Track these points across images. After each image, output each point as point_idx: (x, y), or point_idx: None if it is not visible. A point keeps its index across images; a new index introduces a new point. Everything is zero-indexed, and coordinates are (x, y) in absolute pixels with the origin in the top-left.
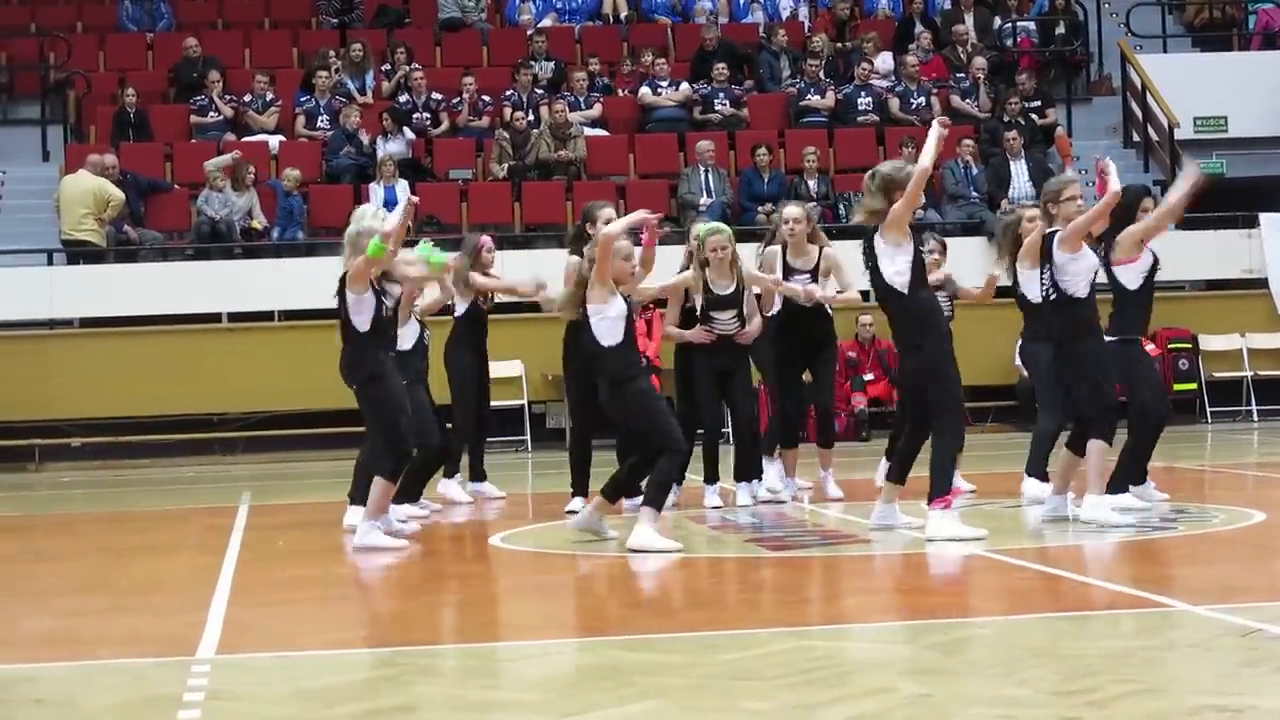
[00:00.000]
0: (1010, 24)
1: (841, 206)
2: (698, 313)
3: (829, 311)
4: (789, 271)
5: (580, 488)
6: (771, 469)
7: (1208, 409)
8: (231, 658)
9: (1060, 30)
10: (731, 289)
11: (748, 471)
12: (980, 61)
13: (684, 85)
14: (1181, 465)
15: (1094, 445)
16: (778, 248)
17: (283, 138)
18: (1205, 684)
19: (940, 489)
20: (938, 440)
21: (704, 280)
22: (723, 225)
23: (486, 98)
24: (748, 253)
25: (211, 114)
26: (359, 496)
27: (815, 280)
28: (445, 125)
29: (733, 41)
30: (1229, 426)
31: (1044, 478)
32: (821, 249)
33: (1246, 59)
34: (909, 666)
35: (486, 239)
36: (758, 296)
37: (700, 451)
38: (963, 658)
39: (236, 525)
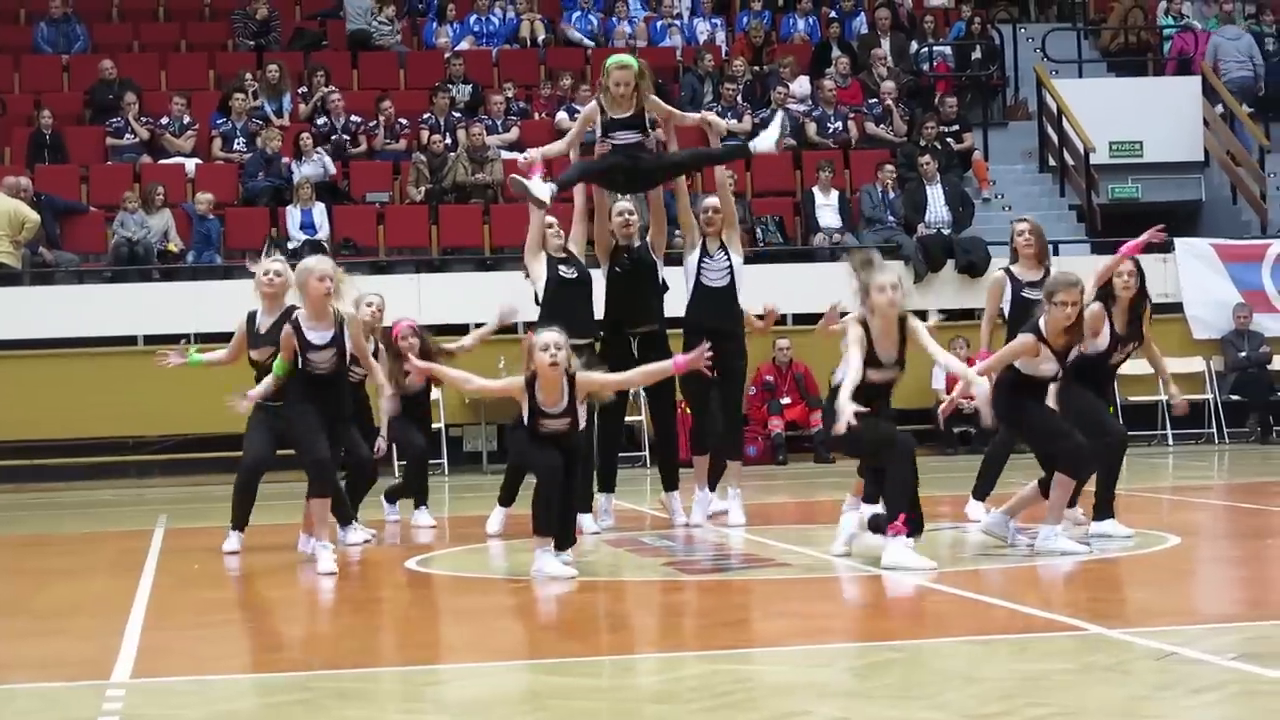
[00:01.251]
0: (927, 48)
1: (759, 230)
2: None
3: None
4: None
5: (606, 485)
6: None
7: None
8: (147, 682)
9: (976, 55)
10: (631, 113)
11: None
12: (890, 85)
13: None
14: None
15: (1059, 478)
16: None
17: (199, 160)
18: (1120, 707)
19: (893, 515)
20: (892, 468)
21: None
22: (631, 57)
23: (403, 120)
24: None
25: (128, 136)
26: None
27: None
28: (363, 148)
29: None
30: (1144, 450)
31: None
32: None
33: (1161, 84)
34: (825, 690)
35: (401, 326)
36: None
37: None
38: (878, 681)
39: (152, 548)
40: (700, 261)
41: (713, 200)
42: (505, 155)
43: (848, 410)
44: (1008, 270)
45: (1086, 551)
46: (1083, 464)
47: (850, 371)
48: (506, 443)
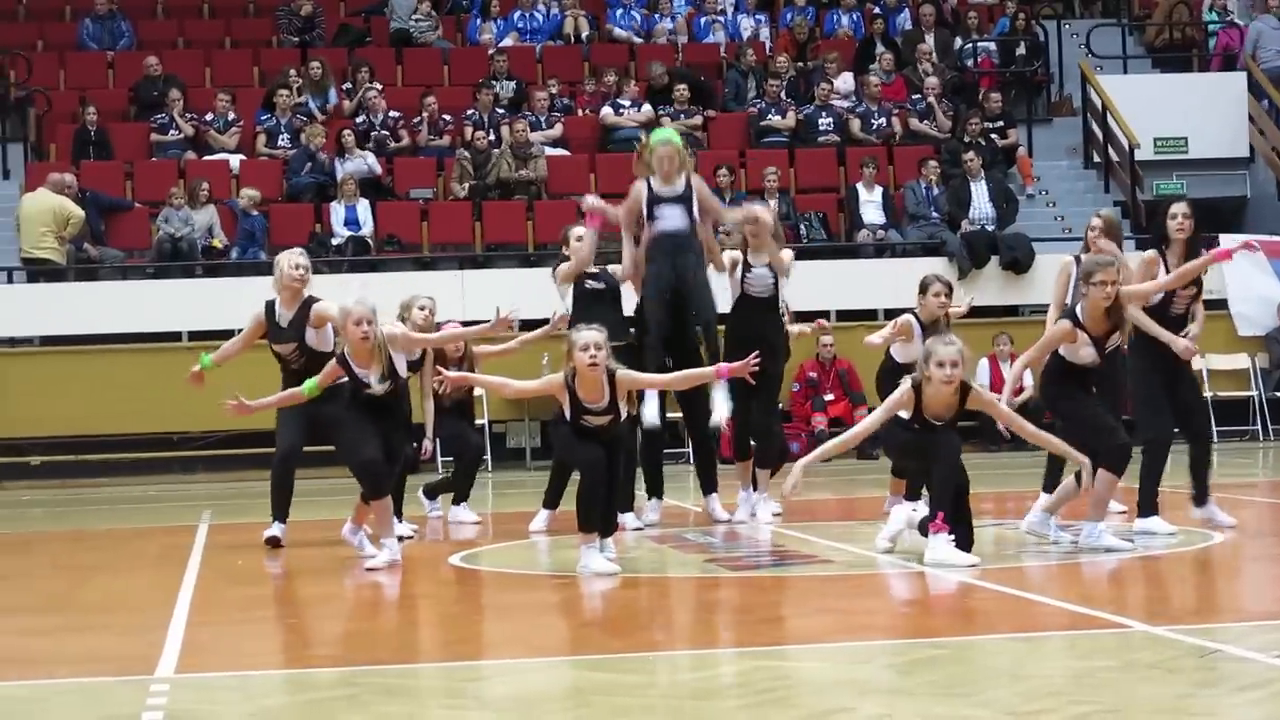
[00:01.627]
0: (971, 44)
1: (802, 227)
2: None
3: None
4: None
5: (655, 489)
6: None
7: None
8: (190, 677)
9: (1021, 51)
10: (679, 191)
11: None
12: (933, 81)
13: (646, 106)
14: (1173, 486)
15: (1102, 475)
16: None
17: (243, 156)
18: (1164, 705)
19: (935, 513)
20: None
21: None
22: (674, 134)
23: (447, 117)
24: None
25: (172, 132)
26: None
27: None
28: (406, 143)
29: (683, 70)
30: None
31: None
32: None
33: (1206, 80)
34: (867, 686)
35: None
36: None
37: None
38: (922, 678)
39: (196, 544)
40: (744, 274)
41: (751, 211)
42: (549, 151)
43: (796, 474)
44: (1077, 258)
45: (1131, 548)
46: (1125, 461)
47: (866, 424)
48: (550, 438)
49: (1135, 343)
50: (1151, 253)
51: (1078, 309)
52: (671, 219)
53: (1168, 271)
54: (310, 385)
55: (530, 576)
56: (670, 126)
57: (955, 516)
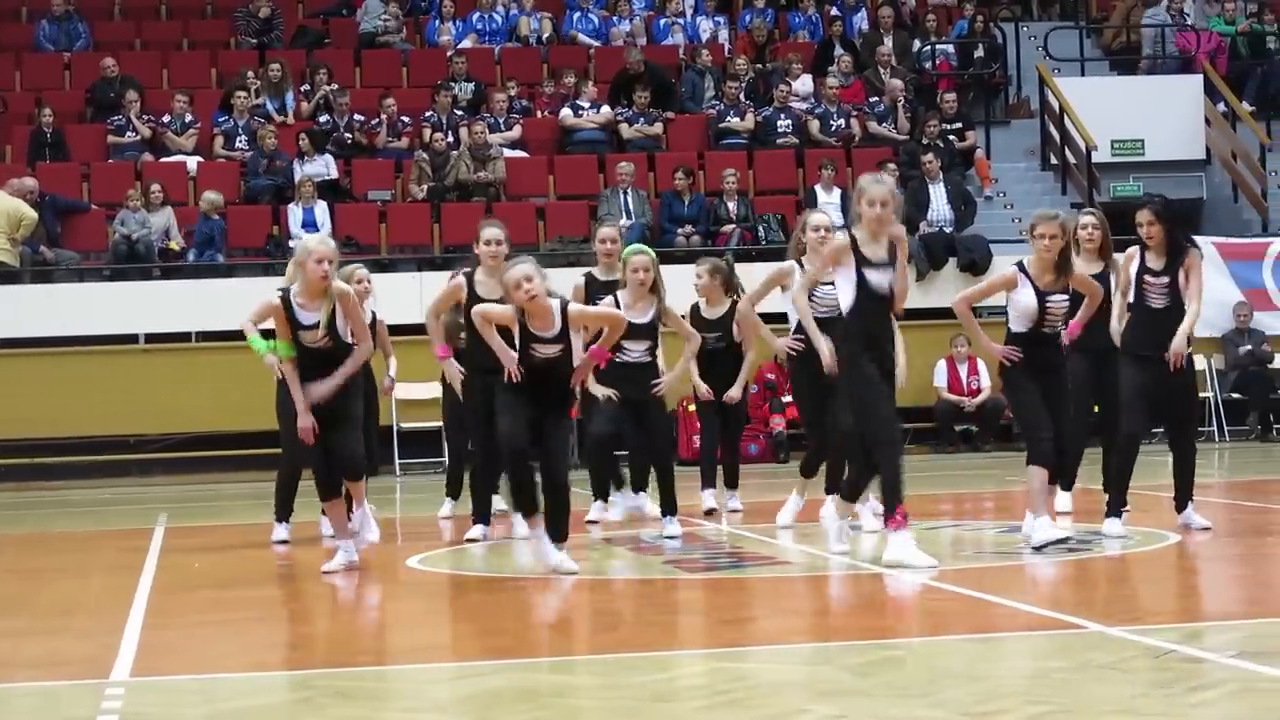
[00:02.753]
0: (929, 47)
1: (760, 229)
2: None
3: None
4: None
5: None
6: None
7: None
8: (146, 680)
9: (979, 53)
10: (647, 318)
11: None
12: (896, 83)
13: (605, 107)
14: (1097, 487)
15: (1030, 469)
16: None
17: (201, 158)
18: (1119, 705)
19: (891, 509)
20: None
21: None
22: (646, 248)
23: (406, 118)
24: (672, 275)
25: (129, 134)
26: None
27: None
28: (364, 144)
29: (656, 66)
30: (1148, 448)
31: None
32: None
33: (1163, 82)
34: (824, 688)
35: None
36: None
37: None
38: (878, 679)
39: (153, 547)
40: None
41: (822, 218)
42: (508, 153)
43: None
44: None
45: (1067, 536)
46: (1045, 458)
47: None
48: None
49: (1124, 345)
50: (1132, 250)
51: (1026, 260)
52: (632, 355)
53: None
54: (283, 348)
55: (488, 579)
56: (631, 130)
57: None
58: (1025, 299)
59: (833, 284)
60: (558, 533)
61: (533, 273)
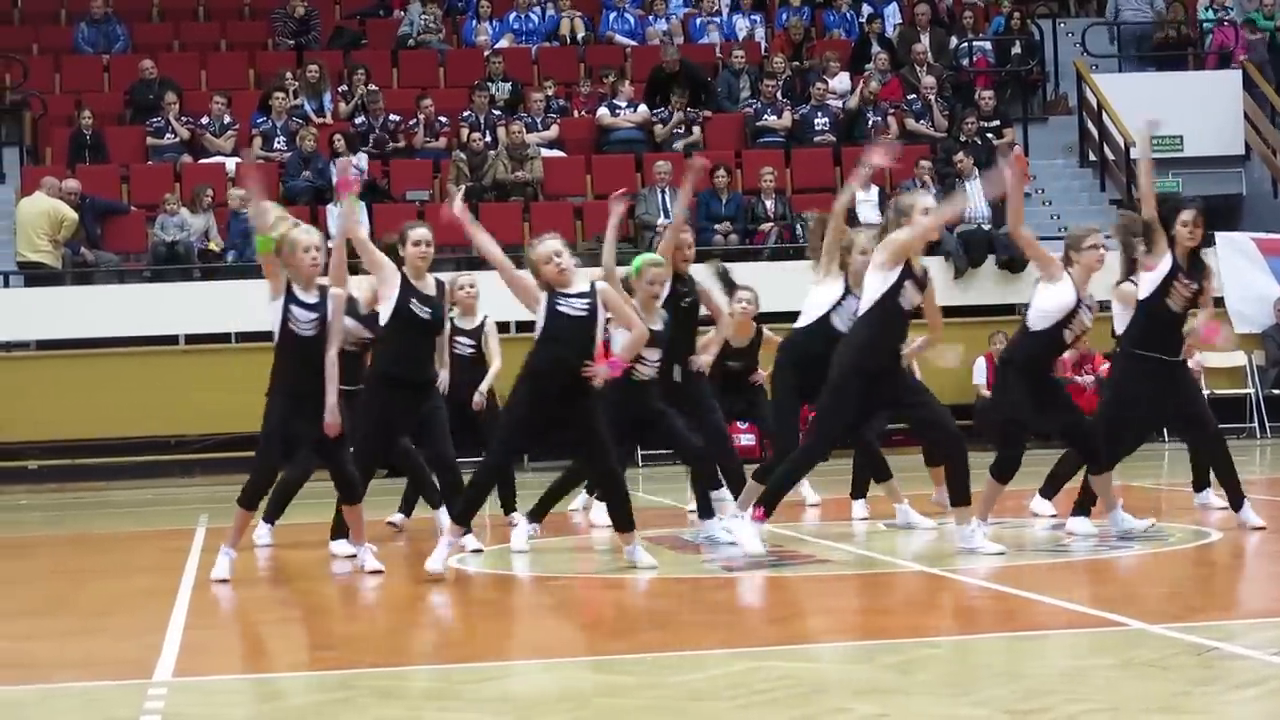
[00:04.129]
0: (966, 44)
1: (798, 227)
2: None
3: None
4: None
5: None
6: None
7: (1164, 428)
8: (188, 680)
9: (1016, 50)
10: (659, 326)
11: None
12: (930, 80)
13: (642, 107)
14: (1137, 484)
15: (988, 479)
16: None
17: (239, 159)
18: (1160, 703)
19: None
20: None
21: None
22: (661, 258)
23: (443, 119)
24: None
25: (168, 136)
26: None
27: None
28: (402, 145)
29: (692, 64)
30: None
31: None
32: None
33: (1201, 78)
34: (865, 686)
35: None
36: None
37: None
38: (918, 677)
39: (194, 547)
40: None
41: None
42: (545, 153)
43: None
44: None
45: (1000, 550)
46: (1003, 472)
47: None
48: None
49: (1127, 351)
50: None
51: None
52: (647, 365)
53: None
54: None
55: (526, 579)
56: (664, 130)
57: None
58: (1065, 296)
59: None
60: (624, 523)
61: (562, 248)
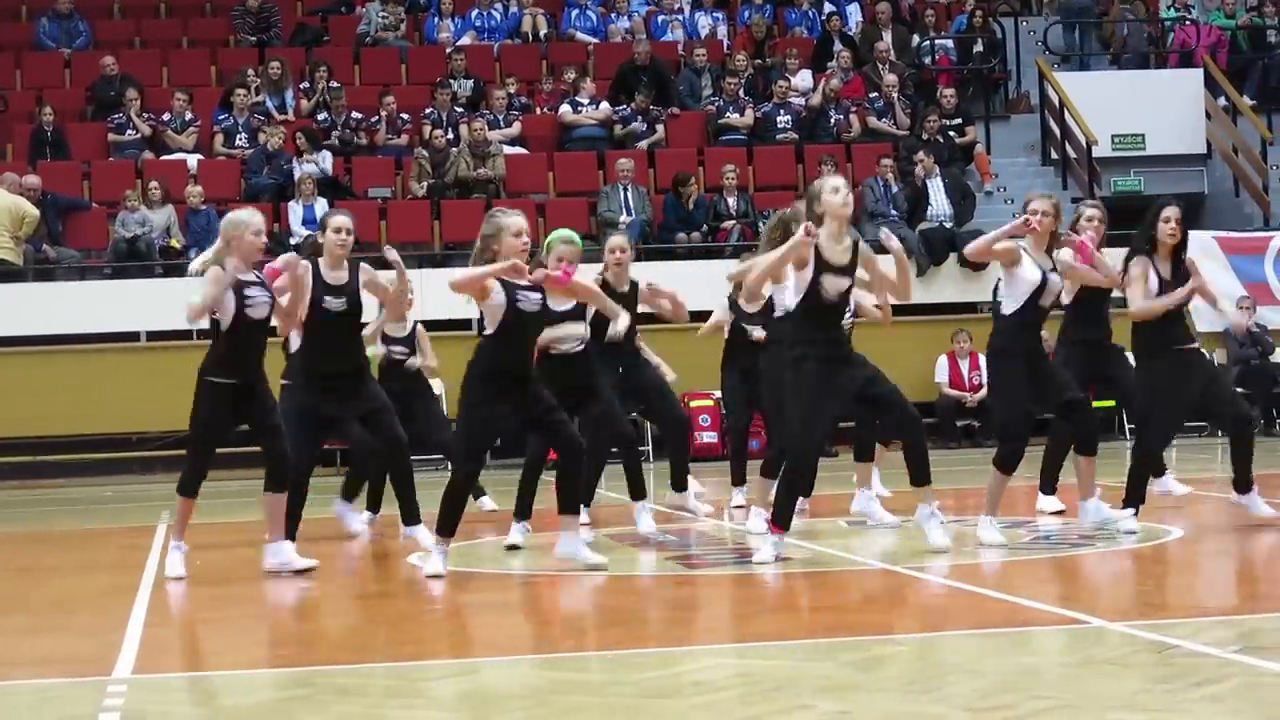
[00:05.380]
0: (929, 42)
1: (761, 224)
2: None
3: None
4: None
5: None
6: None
7: (1126, 426)
8: (148, 678)
9: (978, 48)
10: (571, 303)
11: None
12: (891, 78)
13: (604, 104)
14: (1099, 482)
15: (994, 471)
16: None
17: (201, 156)
18: (1121, 700)
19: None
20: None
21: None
22: (574, 234)
23: (405, 116)
24: (674, 272)
25: (129, 132)
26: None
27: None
28: (364, 142)
29: (658, 59)
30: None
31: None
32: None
33: (1164, 77)
34: (826, 683)
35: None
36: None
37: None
38: (880, 674)
39: (154, 545)
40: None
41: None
42: (507, 150)
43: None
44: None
45: (1004, 544)
46: (1005, 463)
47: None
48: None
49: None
50: (1142, 260)
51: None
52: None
53: (1158, 275)
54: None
55: (486, 576)
56: (623, 131)
57: None
58: (1029, 274)
59: None
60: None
61: (524, 226)
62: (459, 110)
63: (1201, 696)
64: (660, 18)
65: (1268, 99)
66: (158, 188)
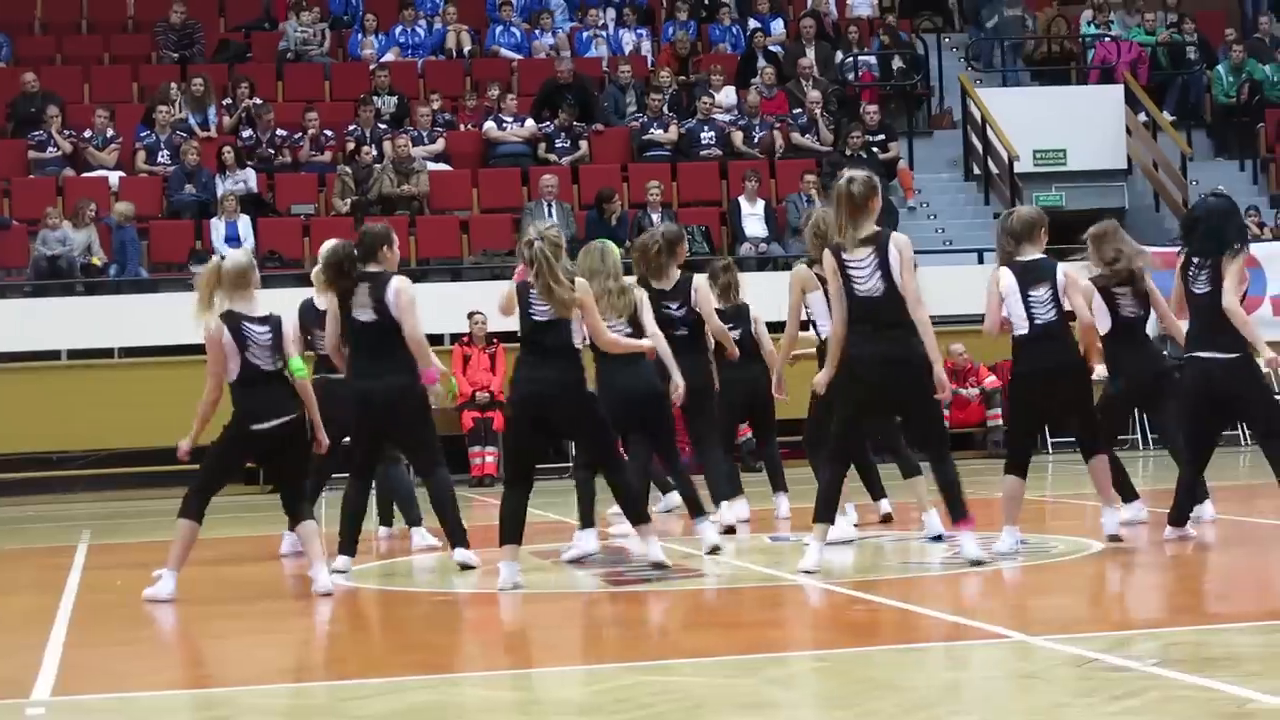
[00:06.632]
0: (852, 58)
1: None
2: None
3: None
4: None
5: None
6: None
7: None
8: (68, 699)
9: (900, 65)
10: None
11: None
12: (815, 94)
13: (529, 121)
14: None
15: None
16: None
17: (123, 173)
18: (1040, 714)
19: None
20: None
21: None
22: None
23: (329, 132)
24: None
25: (50, 149)
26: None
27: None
28: (287, 159)
29: (583, 76)
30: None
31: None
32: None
33: (1085, 92)
34: (749, 700)
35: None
36: None
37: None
38: (802, 691)
39: (75, 564)
40: None
41: None
42: (431, 166)
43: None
44: None
45: (988, 558)
46: (1011, 477)
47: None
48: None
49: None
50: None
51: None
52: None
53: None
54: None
55: (411, 594)
56: (546, 152)
57: None
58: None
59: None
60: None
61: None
62: (383, 127)
63: (1120, 710)
64: (584, 34)
65: (1187, 115)
66: (93, 210)
